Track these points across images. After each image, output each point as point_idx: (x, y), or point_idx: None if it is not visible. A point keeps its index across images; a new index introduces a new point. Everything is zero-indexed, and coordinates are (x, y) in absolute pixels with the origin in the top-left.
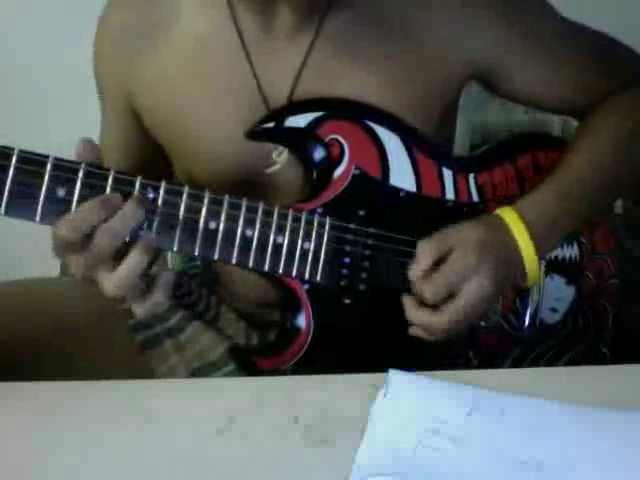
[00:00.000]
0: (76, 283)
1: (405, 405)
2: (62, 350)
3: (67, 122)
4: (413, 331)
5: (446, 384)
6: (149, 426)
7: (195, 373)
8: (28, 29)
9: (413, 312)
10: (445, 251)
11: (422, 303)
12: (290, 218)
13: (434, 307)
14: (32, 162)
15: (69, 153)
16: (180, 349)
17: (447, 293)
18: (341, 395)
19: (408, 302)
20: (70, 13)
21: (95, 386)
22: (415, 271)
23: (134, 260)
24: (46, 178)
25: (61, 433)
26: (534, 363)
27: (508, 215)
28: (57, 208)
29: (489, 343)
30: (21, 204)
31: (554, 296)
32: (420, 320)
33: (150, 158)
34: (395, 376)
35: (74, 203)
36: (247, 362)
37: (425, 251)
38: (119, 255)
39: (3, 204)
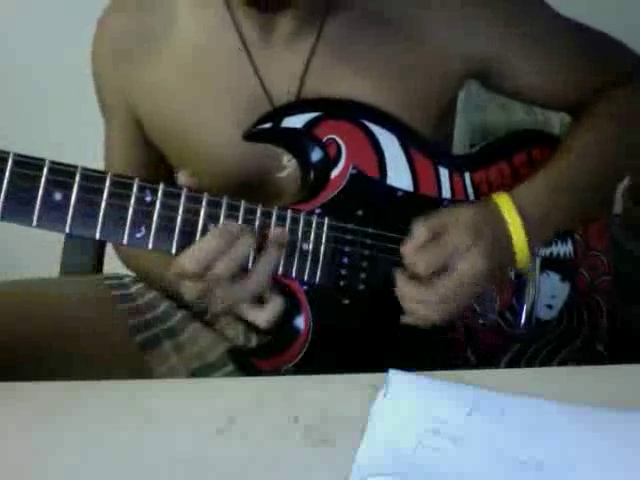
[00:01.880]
0: (75, 283)
1: (405, 405)
2: (62, 350)
3: (67, 122)
4: (406, 319)
5: (446, 384)
6: (149, 426)
7: (194, 374)
8: (28, 29)
9: (405, 286)
10: (440, 229)
11: (415, 279)
12: (289, 219)
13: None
14: (28, 166)
15: (69, 153)
16: (179, 350)
17: (440, 267)
18: (341, 395)
19: (400, 276)
20: (70, 13)
21: (95, 386)
22: (409, 246)
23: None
24: (42, 182)
25: (61, 433)
26: (531, 360)
27: (502, 199)
28: (54, 213)
29: (487, 341)
30: (18, 209)
31: (549, 293)
32: (411, 293)
33: (155, 169)
34: (395, 376)
35: (71, 207)
36: (246, 363)
37: (420, 228)
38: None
39: None
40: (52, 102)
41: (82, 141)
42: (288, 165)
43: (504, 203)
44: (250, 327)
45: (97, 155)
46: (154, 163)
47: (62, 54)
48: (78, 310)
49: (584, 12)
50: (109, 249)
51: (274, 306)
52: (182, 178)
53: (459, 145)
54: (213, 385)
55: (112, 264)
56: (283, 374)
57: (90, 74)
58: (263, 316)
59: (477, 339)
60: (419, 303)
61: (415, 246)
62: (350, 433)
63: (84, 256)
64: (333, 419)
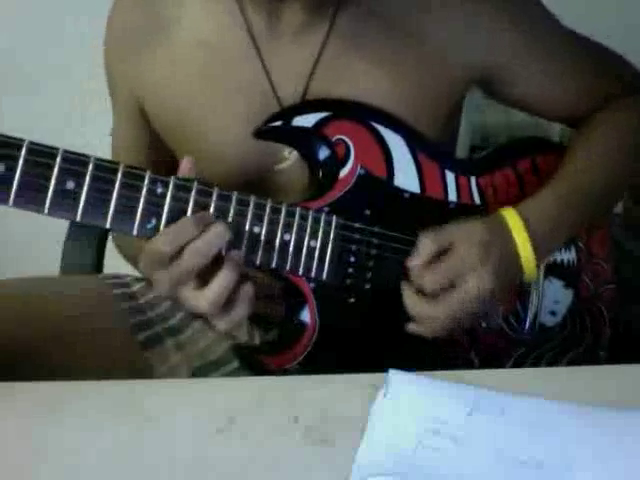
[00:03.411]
0: (76, 282)
1: (405, 405)
2: (62, 349)
3: (67, 122)
4: (411, 328)
5: (446, 384)
6: (149, 426)
7: (196, 372)
8: (28, 29)
9: (412, 301)
10: (446, 245)
11: (422, 294)
12: (297, 216)
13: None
14: (42, 154)
15: None
16: (181, 348)
17: (447, 284)
18: (341, 395)
19: (407, 291)
20: (70, 13)
21: (95, 386)
22: (415, 261)
23: (227, 277)
24: (55, 170)
25: (61, 433)
26: (534, 366)
27: (509, 214)
28: (66, 200)
29: (490, 345)
30: (30, 196)
31: (553, 299)
32: (418, 309)
33: (161, 158)
34: (395, 376)
35: (83, 196)
36: (253, 360)
37: (426, 243)
38: (202, 273)
39: (12, 195)
40: (52, 102)
41: (82, 141)
42: (289, 157)
43: (512, 219)
44: (253, 324)
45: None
46: (160, 154)
47: (62, 54)
48: (79, 308)
49: (584, 12)
50: (109, 250)
51: (217, 286)
52: (183, 165)
53: (459, 145)
54: (213, 385)
55: (112, 265)
56: (289, 373)
57: (90, 74)
58: (204, 297)
59: (480, 342)
60: (425, 317)
61: (422, 261)
62: (350, 433)
63: (84, 256)
64: (333, 419)
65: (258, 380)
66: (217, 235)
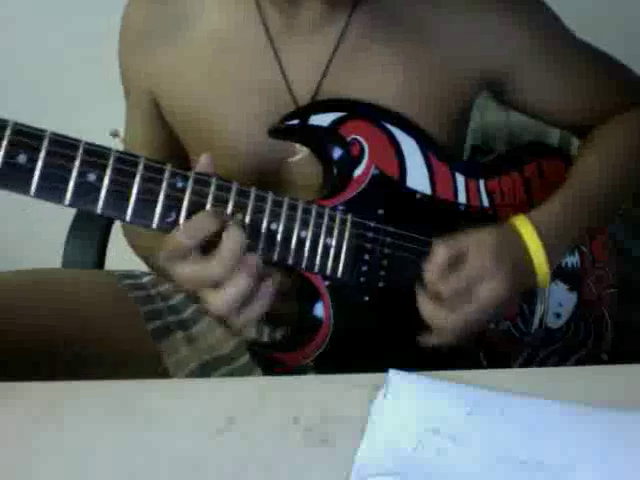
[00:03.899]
0: (84, 274)
1: (405, 405)
2: (71, 339)
3: (67, 122)
4: (423, 339)
5: (446, 384)
6: (149, 426)
7: (205, 366)
8: (28, 30)
9: (428, 308)
10: (460, 252)
11: (437, 301)
12: (314, 213)
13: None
14: (64, 145)
15: None
16: (191, 341)
17: (463, 291)
18: (341, 395)
19: (422, 298)
20: (70, 13)
21: (95, 386)
22: (430, 269)
23: (243, 281)
24: (77, 162)
25: (61, 433)
26: (538, 367)
27: (521, 223)
28: (87, 193)
29: (498, 346)
30: (51, 187)
31: (557, 302)
32: (434, 316)
33: (174, 154)
34: (395, 376)
35: (104, 188)
36: (267, 358)
37: (440, 250)
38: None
39: (33, 186)
40: (52, 102)
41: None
42: (300, 150)
43: (524, 227)
44: (262, 321)
45: None
46: (175, 151)
47: (62, 54)
48: (87, 298)
49: (583, 18)
50: (111, 247)
51: (232, 289)
52: (202, 161)
53: None
54: (213, 385)
55: (114, 264)
56: (302, 370)
57: (90, 74)
58: (219, 298)
59: (489, 344)
60: (443, 326)
61: (437, 268)
62: (350, 433)
63: (85, 254)
64: (333, 419)
65: (258, 380)
66: (234, 242)
